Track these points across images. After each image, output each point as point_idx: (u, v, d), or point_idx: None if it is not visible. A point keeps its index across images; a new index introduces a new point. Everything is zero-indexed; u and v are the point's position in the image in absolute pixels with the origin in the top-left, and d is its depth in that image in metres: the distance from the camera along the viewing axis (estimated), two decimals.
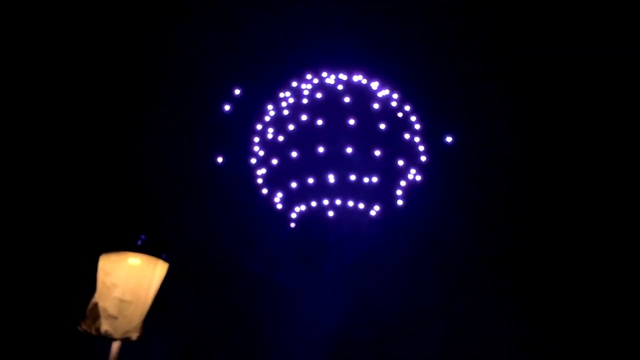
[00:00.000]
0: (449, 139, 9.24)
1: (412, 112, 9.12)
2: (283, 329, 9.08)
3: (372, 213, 8.64)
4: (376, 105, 8.75)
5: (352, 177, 8.30)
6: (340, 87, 8.72)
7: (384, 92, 8.96)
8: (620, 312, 8.46)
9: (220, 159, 9.19)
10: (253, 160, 9.10)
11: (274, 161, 8.73)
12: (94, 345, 4.49)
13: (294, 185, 8.56)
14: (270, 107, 9.01)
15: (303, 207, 8.76)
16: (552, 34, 8.78)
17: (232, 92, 9.06)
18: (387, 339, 9.07)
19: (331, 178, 8.27)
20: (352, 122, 8.34)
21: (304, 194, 8.67)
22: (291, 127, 8.60)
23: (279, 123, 8.81)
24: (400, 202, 8.81)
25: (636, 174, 8.84)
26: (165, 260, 4.37)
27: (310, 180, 8.38)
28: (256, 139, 9.06)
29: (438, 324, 9.05)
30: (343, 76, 8.91)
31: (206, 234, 9.31)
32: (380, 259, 9.23)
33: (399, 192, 8.78)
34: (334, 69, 8.96)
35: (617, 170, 8.89)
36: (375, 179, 8.38)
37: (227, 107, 9.04)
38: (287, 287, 9.28)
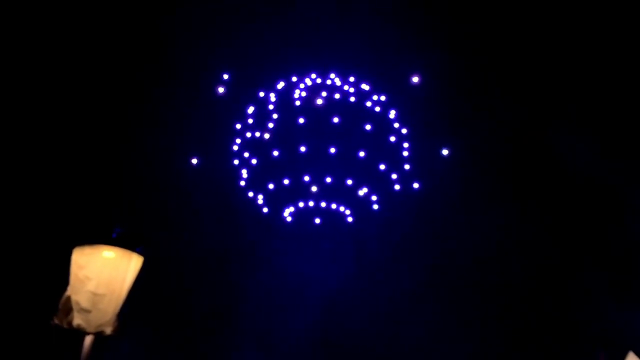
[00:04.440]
0: (445, 152, 9.24)
1: (397, 119, 9.17)
2: (269, 330, 9.11)
3: (349, 219, 8.70)
4: (368, 104, 8.80)
5: (329, 180, 8.34)
6: (324, 93, 8.73)
7: (374, 96, 8.99)
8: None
9: (194, 160, 9.16)
10: (236, 162, 9.11)
11: (254, 161, 8.75)
12: (66, 339, 4.45)
13: (273, 186, 8.58)
14: (251, 109, 9.01)
15: (292, 209, 8.77)
16: (547, 40, 8.78)
17: (215, 90, 9.00)
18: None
19: (314, 179, 8.31)
20: (336, 120, 8.39)
21: (288, 196, 8.68)
22: (276, 127, 8.63)
23: (262, 124, 8.82)
24: (376, 207, 8.88)
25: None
26: (140, 253, 4.36)
27: (286, 182, 8.42)
28: (238, 140, 9.06)
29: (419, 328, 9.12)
30: (335, 77, 8.93)
31: (188, 235, 9.31)
32: (354, 260, 9.28)
33: (374, 198, 8.84)
34: (323, 71, 8.99)
35: (613, 176, 8.90)
36: (350, 181, 8.43)
37: (220, 89, 8.91)
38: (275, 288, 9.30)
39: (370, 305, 9.36)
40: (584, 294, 8.71)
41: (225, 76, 8.92)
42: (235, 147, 9.09)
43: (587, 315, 8.64)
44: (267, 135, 8.60)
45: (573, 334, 8.68)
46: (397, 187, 9.02)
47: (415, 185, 9.14)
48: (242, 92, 9.03)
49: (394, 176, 8.98)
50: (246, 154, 9.02)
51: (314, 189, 8.37)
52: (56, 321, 4.18)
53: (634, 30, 8.23)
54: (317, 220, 8.74)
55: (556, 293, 8.98)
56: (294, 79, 8.97)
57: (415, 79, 8.94)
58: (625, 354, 5.53)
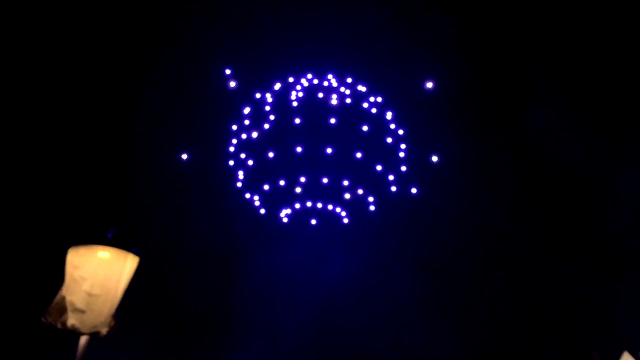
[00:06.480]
0: (434, 159, 9.24)
1: (394, 120, 9.17)
2: (266, 329, 9.13)
3: (345, 220, 8.71)
4: (365, 105, 8.80)
5: (326, 181, 8.34)
6: (320, 94, 8.71)
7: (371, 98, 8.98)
8: None
9: (184, 156, 9.13)
10: (231, 162, 9.10)
11: (250, 162, 8.75)
12: (63, 340, 4.43)
13: (269, 187, 8.58)
14: (247, 110, 8.99)
15: (288, 210, 8.76)
16: (541, 45, 8.79)
17: (227, 85, 8.93)
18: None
19: (312, 179, 8.32)
20: (333, 121, 8.39)
21: (285, 197, 8.68)
22: (272, 128, 8.62)
23: (259, 125, 8.80)
24: (372, 208, 8.89)
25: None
26: (135, 254, 4.33)
27: (282, 183, 8.43)
28: (234, 141, 9.05)
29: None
30: (332, 78, 8.91)
31: (186, 235, 9.31)
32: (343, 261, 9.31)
33: (370, 199, 8.85)
34: (320, 72, 8.97)
35: (608, 180, 8.91)
36: (346, 182, 8.44)
37: (232, 84, 8.84)
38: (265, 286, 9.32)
39: (366, 305, 9.35)
40: (578, 295, 8.73)
41: (228, 71, 8.90)
42: (232, 149, 9.08)
43: (582, 315, 8.67)
44: (255, 134, 8.58)
45: (568, 334, 8.71)
46: (393, 188, 9.02)
47: (413, 190, 9.15)
48: (238, 93, 9.03)
49: (391, 177, 8.98)
50: (242, 155, 9.01)
51: (297, 190, 8.38)
52: (49, 320, 4.14)
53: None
54: (313, 222, 8.73)
55: (551, 294, 9.00)
56: (291, 79, 8.96)
57: (430, 84, 8.97)
58: (620, 354, 5.54)
